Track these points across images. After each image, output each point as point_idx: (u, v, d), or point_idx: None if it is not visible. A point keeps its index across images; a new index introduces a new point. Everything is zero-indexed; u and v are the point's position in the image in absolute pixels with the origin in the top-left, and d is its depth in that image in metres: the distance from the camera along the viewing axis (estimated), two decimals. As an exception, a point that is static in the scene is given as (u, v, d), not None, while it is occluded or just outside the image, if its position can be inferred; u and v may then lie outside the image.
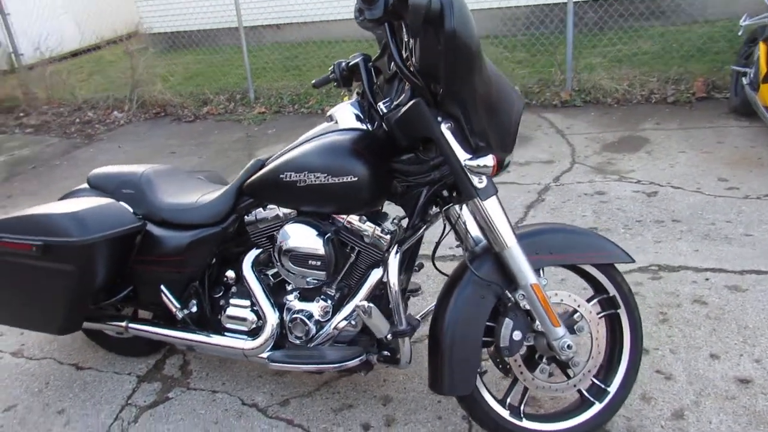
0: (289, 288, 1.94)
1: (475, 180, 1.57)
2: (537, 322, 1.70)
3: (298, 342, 1.90)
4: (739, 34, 4.46)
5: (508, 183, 3.71)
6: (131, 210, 2.08)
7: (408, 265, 1.90)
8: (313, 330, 1.88)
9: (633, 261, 1.79)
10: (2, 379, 2.42)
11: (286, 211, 1.86)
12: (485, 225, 1.64)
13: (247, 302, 2.00)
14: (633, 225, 3.09)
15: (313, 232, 1.79)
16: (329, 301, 1.87)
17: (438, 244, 1.85)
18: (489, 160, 1.54)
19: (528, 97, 5.30)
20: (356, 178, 1.66)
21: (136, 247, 2.10)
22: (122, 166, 2.31)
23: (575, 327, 1.75)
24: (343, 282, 1.87)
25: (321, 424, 2.01)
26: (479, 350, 1.71)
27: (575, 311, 1.77)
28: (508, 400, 1.80)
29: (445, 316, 1.70)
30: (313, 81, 1.94)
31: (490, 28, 6.64)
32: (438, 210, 1.81)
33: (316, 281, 1.86)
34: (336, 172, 1.68)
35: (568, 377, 1.79)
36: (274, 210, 1.89)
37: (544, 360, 1.77)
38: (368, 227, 1.77)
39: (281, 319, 1.92)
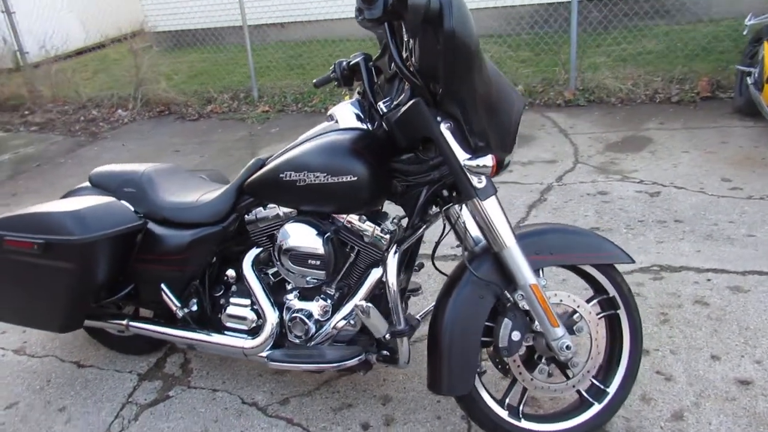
0: (289, 287, 1.94)
1: (474, 180, 1.57)
2: (536, 323, 1.70)
3: (297, 341, 1.91)
4: (744, 33, 4.45)
5: (510, 182, 3.70)
6: (132, 209, 2.09)
7: (408, 265, 1.90)
8: (313, 329, 1.88)
9: (633, 261, 1.78)
10: (4, 376, 2.43)
11: (286, 210, 1.87)
12: (484, 225, 1.63)
13: (247, 301, 2.00)
14: (635, 225, 3.08)
15: (313, 232, 1.79)
16: (329, 301, 1.87)
17: (438, 243, 1.85)
18: (488, 160, 1.54)
19: (531, 97, 5.29)
20: (356, 178, 1.66)
21: (137, 245, 2.11)
22: (123, 165, 2.32)
23: (574, 327, 1.75)
24: (343, 281, 1.87)
25: (320, 423, 2.02)
26: (478, 350, 1.71)
27: (574, 312, 1.76)
28: (507, 401, 1.80)
29: (444, 316, 1.69)
30: (314, 80, 1.95)
31: (494, 27, 6.62)
32: (438, 210, 1.81)
33: (315, 280, 1.86)
34: (336, 172, 1.68)
35: (567, 378, 1.79)
36: (274, 209, 1.89)
37: (543, 360, 1.77)
38: (368, 227, 1.77)
39: (281, 318, 1.92)
